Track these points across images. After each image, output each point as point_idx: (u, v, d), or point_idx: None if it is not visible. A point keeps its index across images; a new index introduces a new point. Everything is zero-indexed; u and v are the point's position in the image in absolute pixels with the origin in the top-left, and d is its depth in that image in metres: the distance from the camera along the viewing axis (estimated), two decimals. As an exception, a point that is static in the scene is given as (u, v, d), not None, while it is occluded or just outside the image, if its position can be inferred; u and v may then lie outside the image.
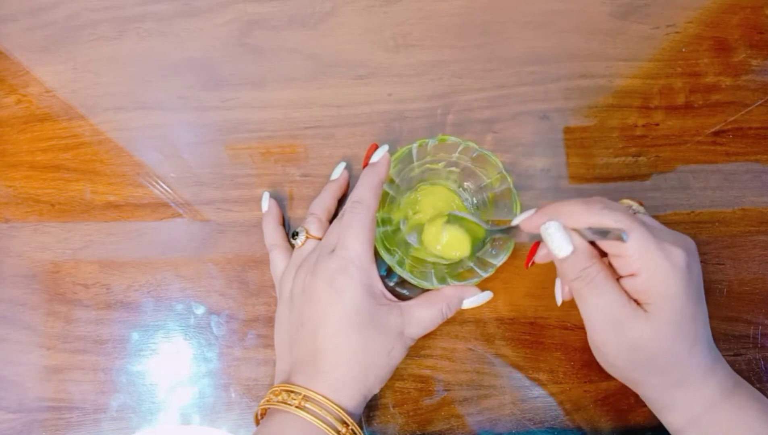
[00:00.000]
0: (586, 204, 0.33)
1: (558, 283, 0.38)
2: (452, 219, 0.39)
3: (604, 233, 0.32)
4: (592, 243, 0.34)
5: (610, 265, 0.34)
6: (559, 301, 0.38)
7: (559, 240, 0.33)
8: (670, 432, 0.36)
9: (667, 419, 0.35)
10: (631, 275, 0.33)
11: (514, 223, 0.36)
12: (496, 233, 0.38)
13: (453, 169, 0.41)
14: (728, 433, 0.33)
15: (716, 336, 0.42)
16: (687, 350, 0.33)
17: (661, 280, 0.32)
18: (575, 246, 0.33)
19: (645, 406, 0.41)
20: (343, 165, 0.43)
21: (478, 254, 0.40)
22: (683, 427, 0.34)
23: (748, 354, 0.42)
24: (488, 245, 0.40)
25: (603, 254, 0.34)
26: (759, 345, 0.42)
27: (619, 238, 0.31)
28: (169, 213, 0.43)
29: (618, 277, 0.34)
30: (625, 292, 0.33)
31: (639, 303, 0.33)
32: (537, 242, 0.37)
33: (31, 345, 0.42)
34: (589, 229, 0.32)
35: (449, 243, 0.39)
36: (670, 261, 0.32)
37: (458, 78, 0.44)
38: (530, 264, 0.38)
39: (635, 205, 0.37)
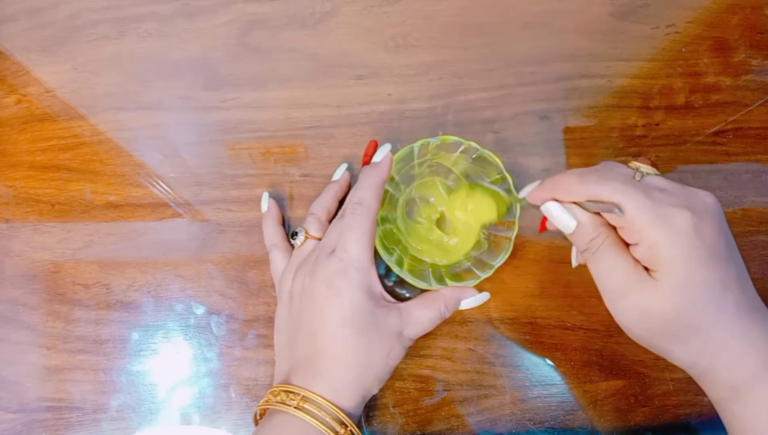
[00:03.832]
0: (580, 177, 0.32)
1: (574, 248, 0.38)
2: (474, 186, 0.39)
3: (602, 205, 0.31)
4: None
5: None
6: (574, 263, 0.38)
7: (560, 218, 0.33)
8: (714, 403, 0.33)
9: (706, 388, 0.33)
10: (634, 245, 0.32)
11: (521, 195, 0.36)
12: (521, 202, 0.37)
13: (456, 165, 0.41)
14: None
15: (716, 336, 0.42)
16: (706, 317, 0.30)
17: (661, 248, 0.30)
18: (578, 220, 0.33)
19: (645, 406, 0.41)
20: (344, 166, 0.42)
21: (476, 255, 0.40)
22: (722, 398, 0.32)
23: (748, 354, 0.42)
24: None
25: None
26: (759, 345, 0.42)
27: (614, 211, 0.31)
28: (169, 213, 0.43)
29: (628, 245, 0.33)
30: (635, 259, 0.32)
31: (648, 270, 0.32)
32: None
33: (31, 345, 0.42)
34: (589, 201, 0.32)
35: (477, 209, 0.39)
36: (670, 226, 0.30)
37: (458, 78, 0.44)
38: (543, 230, 0.38)
39: (644, 167, 0.34)
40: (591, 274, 0.34)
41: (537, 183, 0.35)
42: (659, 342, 0.32)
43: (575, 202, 0.33)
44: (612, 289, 0.32)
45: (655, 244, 0.30)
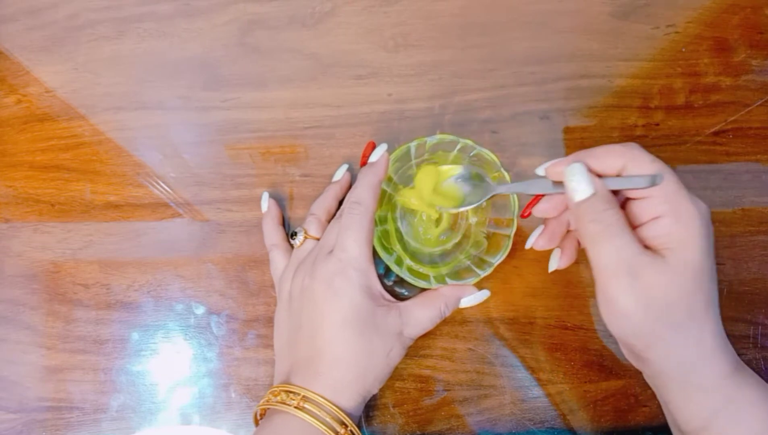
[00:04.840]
0: (623, 146, 0.33)
1: (556, 252, 0.38)
2: (463, 172, 0.38)
3: (632, 180, 0.32)
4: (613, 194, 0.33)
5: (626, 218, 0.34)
6: (551, 267, 0.37)
7: (582, 180, 0.32)
8: (667, 404, 0.33)
9: (673, 389, 0.33)
10: (654, 219, 0.32)
11: (539, 170, 0.35)
12: (504, 190, 0.37)
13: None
14: (723, 406, 0.32)
15: (716, 336, 0.42)
16: (702, 309, 0.31)
17: (685, 225, 0.31)
18: (596, 189, 0.32)
19: (645, 406, 0.41)
20: (345, 167, 0.43)
21: (476, 253, 0.40)
22: (686, 397, 0.32)
23: (748, 354, 0.42)
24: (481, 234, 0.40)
25: (622, 207, 0.34)
26: (759, 345, 0.42)
27: (652, 183, 0.31)
28: (169, 213, 0.43)
29: (634, 228, 0.33)
30: (641, 241, 0.32)
31: (655, 251, 0.32)
32: (540, 195, 0.36)
33: (31, 345, 0.42)
34: (616, 178, 0.33)
35: (446, 193, 0.39)
36: (698, 209, 0.31)
37: (458, 78, 0.44)
38: (527, 214, 0.37)
39: None
40: (590, 252, 0.32)
41: (558, 159, 0.34)
42: (650, 327, 0.31)
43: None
44: (620, 265, 0.31)
45: (682, 219, 0.31)
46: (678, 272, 0.31)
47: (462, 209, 0.38)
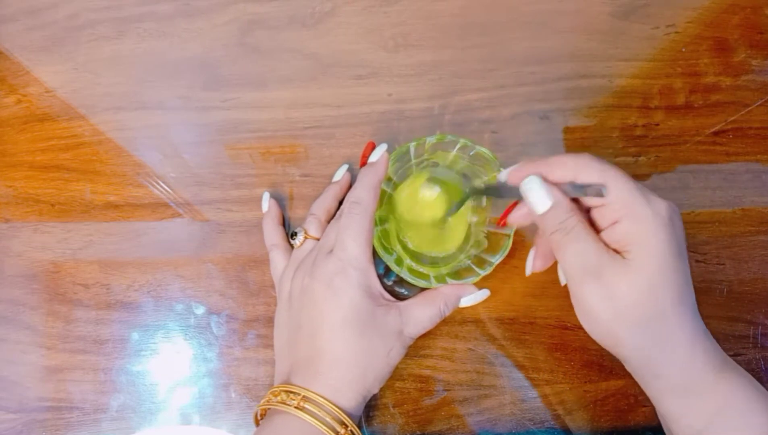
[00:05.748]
0: (575, 157, 0.34)
1: (530, 253, 0.38)
2: (432, 180, 0.40)
3: (585, 189, 0.33)
4: (576, 200, 0.34)
5: (591, 223, 0.34)
6: (528, 271, 0.38)
7: (539, 194, 0.33)
8: (653, 400, 0.34)
9: (654, 385, 0.33)
10: (613, 224, 0.33)
11: (500, 177, 0.36)
12: (476, 194, 0.38)
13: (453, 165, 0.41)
14: (717, 413, 0.32)
15: (716, 336, 0.42)
16: (670, 306, 0.32)
17: (642, 226, 0.32)
18: (555, 199, 0.33)
19: (645, 405, 0.41)
20: (345, 167, 0.43)
21: (476, 253, 0.40)
22: (664, 391, 0.33)
23: (748, 354, 0.42)
24: (477, 235, 0.40)
25: (587, 212, 0.35)
26: (759, 345, 0.42)
27: (599, 194, 0.32)
28: (169, 213, 0.43)
29: (598, 232, 0.34)
30: (605, 244, 0.33)
31: (619, 253, 0.32)
32: (516, 202, 0.37)
33: (31, 345, 0.42)
34: (571, 184, 0.33)
35: (424, 204, 0.40)
36: (653, 209, 0.32)
37: (458, 78, 0.45)
38: (503, 224, 0.37)
39: None
40: (559, 260, 0.34)
41: (518, 165, 0.35)
42: (617, 326, 0.32)
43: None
44: (582, 270, 0.32)
45: (638, 221, 0.32)
46: (639, 271, 0.31)
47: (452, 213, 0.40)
